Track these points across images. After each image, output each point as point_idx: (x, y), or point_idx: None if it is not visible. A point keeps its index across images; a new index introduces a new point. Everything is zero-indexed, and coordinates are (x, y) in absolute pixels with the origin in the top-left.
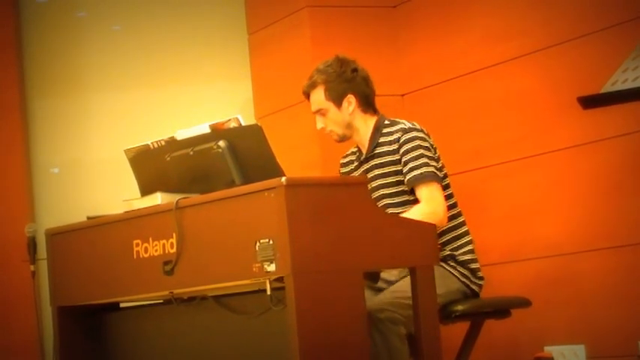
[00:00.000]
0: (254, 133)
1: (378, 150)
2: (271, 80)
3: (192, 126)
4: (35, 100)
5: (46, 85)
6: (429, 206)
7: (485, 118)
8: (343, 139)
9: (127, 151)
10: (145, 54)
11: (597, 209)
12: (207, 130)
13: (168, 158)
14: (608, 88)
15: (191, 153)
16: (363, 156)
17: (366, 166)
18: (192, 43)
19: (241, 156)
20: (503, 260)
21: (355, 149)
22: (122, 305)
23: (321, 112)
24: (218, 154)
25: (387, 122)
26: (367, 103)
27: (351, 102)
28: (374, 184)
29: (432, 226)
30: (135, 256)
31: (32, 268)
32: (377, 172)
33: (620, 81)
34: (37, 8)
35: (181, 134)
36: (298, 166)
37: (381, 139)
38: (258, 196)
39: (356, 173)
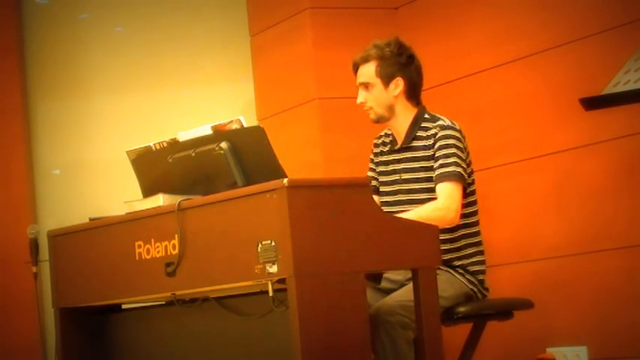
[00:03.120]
0: (256, 134)
1: (415, 143)
2: (273, 82)
3: (194, 127)
4: (37, 102)
5: (49, 87)
6: (445, 202)
7: (486, 120)
8: (380, 119)
9: (129, 153)
10: (147, 56)
11: (599, 210)
12: (209, 132)
13: (171, 160)
14: (609, 89)
15: (193, 154)
16: (398, 145)
17: (397, 156)
18: (194, 45)
19: (243, 157)
20: (505, 262)
21: (389, 132)
22: (124, 307)
23: (366, 85)
24: (220, 155)
25: (426, 116)
26: (413, 92)
27: (398, 85)
28: (404, 176)
29: (434, 227)
30: (137, 258)
31: (34, 269)
32: (409, 165)
33: (622, 82)
34: (39, 10)
35: (183, 136)
36: (300, 168)
37: (419, 133)
38: (260, 197)
39: (386, 159)
